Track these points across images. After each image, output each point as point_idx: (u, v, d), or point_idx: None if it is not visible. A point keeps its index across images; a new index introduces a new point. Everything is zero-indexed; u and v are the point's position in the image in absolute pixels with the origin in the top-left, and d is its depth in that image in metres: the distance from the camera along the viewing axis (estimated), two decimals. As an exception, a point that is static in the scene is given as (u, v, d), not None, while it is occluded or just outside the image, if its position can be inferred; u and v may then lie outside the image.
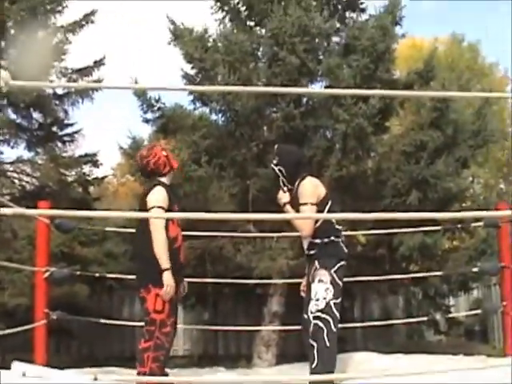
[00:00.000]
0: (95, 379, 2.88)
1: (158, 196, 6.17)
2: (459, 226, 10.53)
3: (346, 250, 6.74)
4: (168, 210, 6.12)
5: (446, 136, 11.37)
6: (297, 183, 6.66)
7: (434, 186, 10.88)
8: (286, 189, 6.70)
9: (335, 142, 10.93)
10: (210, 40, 11.69)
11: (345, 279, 9.83)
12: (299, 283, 10.17)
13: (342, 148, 10.68)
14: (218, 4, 12.11)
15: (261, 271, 10.28)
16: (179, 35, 11.67)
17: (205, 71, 11.39)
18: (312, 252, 6.62)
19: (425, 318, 11.76)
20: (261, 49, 11.79)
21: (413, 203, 10.60)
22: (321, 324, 6.32)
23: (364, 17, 12.32)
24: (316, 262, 6.54)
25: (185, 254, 6.58)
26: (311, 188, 6.61)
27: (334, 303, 6.45)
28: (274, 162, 6.76)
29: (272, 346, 11.14)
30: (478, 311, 10.70)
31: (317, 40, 11.43)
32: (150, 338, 6.04)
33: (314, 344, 6.27)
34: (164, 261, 6.00)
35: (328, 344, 6.27)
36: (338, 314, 6.48)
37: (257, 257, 10.43)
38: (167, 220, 6.16)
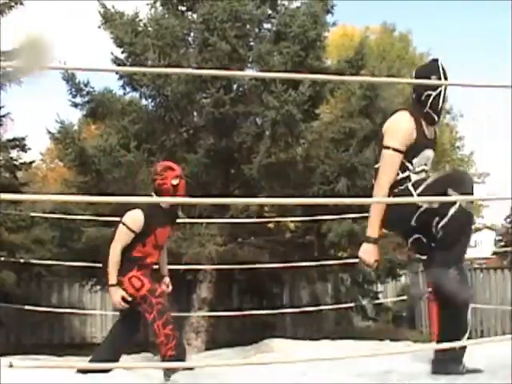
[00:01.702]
0: (10, 366, 2.83)
1: (130, 217, 6.17)
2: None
3: None
4: (144, 233, 6.12)
5: (375, 124, 11.44)
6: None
7: (363, 174, 10.95)
8: None
9: (265, 128, 10.94)
10: (141, 24, 11.60)
11: (274, 265, 9.92)
12: (229, 269, 10.21)
13: (272, 135, 10.67)
14: (150, -12, 11.98)
15: (190, 257, 10.22)
16: (110, 19, 11.53)
17: (135, 55, 11.27)
18: None
19: (352, 304, 11.88)
20: (192, 34, 11.73)
21: (341, 190, 10.66)
22: None
23: (296, 4, 12.30)
24: None
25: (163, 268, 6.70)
26: None
27: None
28: None
29: (201, 333, 11.11)
30: (405, 297, 10.85)
31: (248, 26, 11.44)
32: (150, 309, 6.10)
33: None
34: (110, 276, 6.07)
35: None
36: None
37: (186, 243, 10.38)
38: (137, 242, 6.17)
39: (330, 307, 12.33)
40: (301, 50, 10.99)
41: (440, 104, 4.93)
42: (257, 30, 11.81)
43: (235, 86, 11.33)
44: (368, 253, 4.77)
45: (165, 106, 11.19)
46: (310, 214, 10.01)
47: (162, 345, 6.03)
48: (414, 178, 4.90)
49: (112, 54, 11.72)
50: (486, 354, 4.99)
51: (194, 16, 11.80)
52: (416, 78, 5.05)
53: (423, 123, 4.94)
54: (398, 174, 4.88)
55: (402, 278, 15.73)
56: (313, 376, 5.02)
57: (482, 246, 54.79)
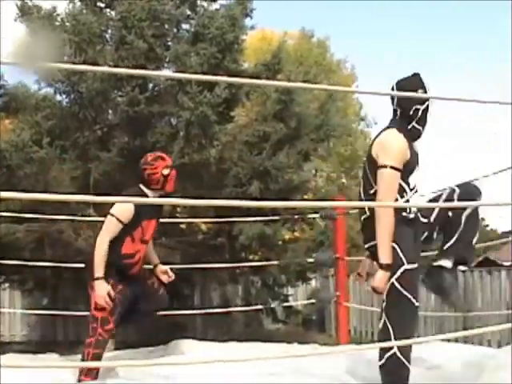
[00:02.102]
0: None
1: (119, 207, 6.00)
2: (296, 216, 10.75)
3: None
4: (131, 225, 5.97)
5: (289, 128, 11.55)
6: None
7: (276, 177, 11.04)
8: None
9: (179, 129, 10.91)
10: (59, 19, 11.44)
11: (184, 266, 9.89)
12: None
13: (186, 135, 10.67)
14: (69, -17, 11.84)
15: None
16: (27, 12, 11.35)
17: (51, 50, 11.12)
18: None
19: (261, 307, 11.95)
20: (109, 31, 11.64)
21: (254, 193, 10.70)
22: None
23: (215, 6, 12.33)
24: None
25: (141, 269, 6.46)
26: None
27: None
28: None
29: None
30: (313, 301, 10.97)
31: (166, 26, 11.41)
32: (92, 334, 5.99)
33: None
34: (96, 269, 5.89)
35: None
36: None
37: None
38: (125, 236, 6.02)
39: (240, 309, 12.38)
40: (218, 52, 11.01)
41: (427, 118, 4.83)
42: (175, 30, 11.78)
43: (151, 86, 11.28)
44: (384, 282, 4.58)
45: (79, 102, 11.05)
46: (222, 215, 10.04)
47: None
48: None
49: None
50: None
51: (113, 13, 11.69)
52: (403, 91, 4.85)
53: (410, 139, 4.79)
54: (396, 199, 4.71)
55: (313, 282, 15.90)
56: (219, 377, 5.04)
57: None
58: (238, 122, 12.52)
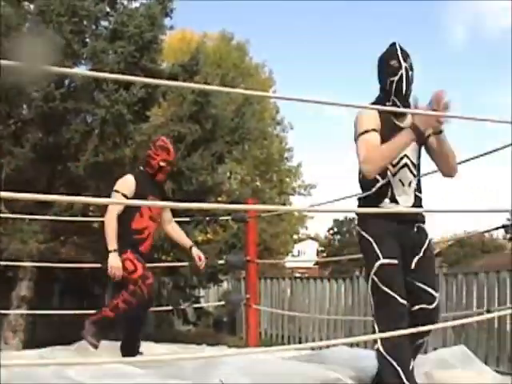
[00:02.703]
0: None
1: (121, 181, 6.27)
2: (209, 218, 10.78)
3: None
4: (138, 198, 5.97)
5: (205, 130, 11.59)
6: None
7: (189, 179, 11.06)
8: None
9: (94, 126, 10.83)
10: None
11: (96, 265, 9.74)
12: (50, 268, 10.01)
13: (101, 133, 10.61)
14: (-14, -26, 11.62)
15: (10, 254, 9.98)
16: None
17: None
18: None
19: (171, 308, 11.93)
20: (27, 25, 11.46)
21: (167, 194, 10.68)
22: None
23: (135, 4, 12.26)
24: (427, 232, 4.77)
25: (150, 246, 6.57)
26: None
27: None
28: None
29: (19, 332, 10.85)
30: (223, 303, 11.00)
31: (85, 22, 11.29)
32: (131, 294, 6.12)
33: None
34: (109, 242, 6.06)
35: None
36: None
37: (7, 238, 10.13)
38: (134, 211, 6.22)
39: (151, 310, 12.32)
40: (136, 51, 10.96)
41: (404, 89, 4.49)
42: (93, 26, 11.67)
43: (67, 82, 11.15)
44: None
45: (-7, 96, 10.87)
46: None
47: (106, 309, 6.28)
48: (396, 185, 4.56)
49: None
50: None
51: (31, 6, 11.52)
52: (377, 65, 4.63)
53: (390, 115, 4.54)
54: (377, 181, 4.52)
55: (225, 284, 15.94)
56: (122, 376, 5.02)
57: (304, 255, 56.25)
58: (153, 121, 12.48)
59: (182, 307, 12.76)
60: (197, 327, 14.61)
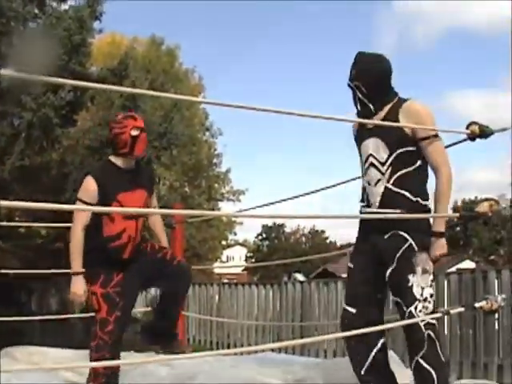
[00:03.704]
0: None
1: (82, 186, 5.14)
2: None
3: None
4: (103, 203, 5.03)
5: (131, 134, 11.52)
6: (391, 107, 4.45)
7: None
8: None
9: (21, 130, 10.67)
10: None
11: (20, 271, 9.59)
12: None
13: (27, 137, 10.45)
14: None
15: None
16: None
17: None
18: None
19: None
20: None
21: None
22: (433, 335, 4.26)
23: (64, 7, 12.14)
24: (408, 238, 4.29)
25: (136, 248, 5.33)
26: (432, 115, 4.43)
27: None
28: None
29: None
30: (150, 309, 10.93)
31: (12, 23, 11.12)
32: (93, 338, 5.17)
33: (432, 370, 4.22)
34: (72, 262, 5.10)
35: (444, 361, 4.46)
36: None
37: None
38: (102, 217, 5.13)
39: (78, 316, 12.19)
40: (64, 54, 10.85)
41: (357, 95, 4.40)
42: (21, 28, 11.51)
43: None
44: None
45: None
46: (62, 220, 9.87)
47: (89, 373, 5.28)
48: (367, 187, 4.46)
49: None
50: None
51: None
52: (388, 74, 4.50)
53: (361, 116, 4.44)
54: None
55: (152, 290, 15.83)
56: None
57: (233, 261, 56.39)
58: (81, 126, 12.38)
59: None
60: (125, 333, 14.47)
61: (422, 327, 4.18)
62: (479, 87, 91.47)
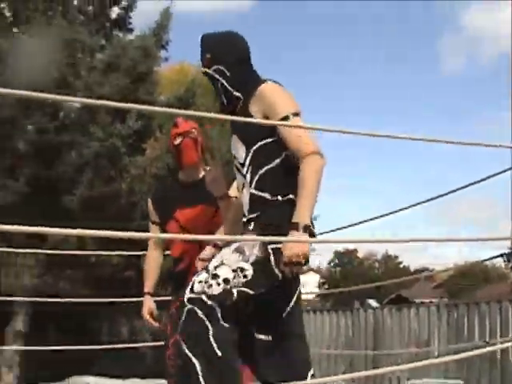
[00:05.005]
0: None
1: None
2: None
3: None
4: (162, 221, 4.62)
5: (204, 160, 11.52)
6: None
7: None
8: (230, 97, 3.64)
9: (88, 160, 10.75)
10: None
11: (93, 300, 9.57)
12: (45, 302, 9.86)
13: (95, 167, 10.52)
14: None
15: (5, 288, 9.88)
16: None
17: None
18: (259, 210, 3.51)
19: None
20: (20, 53, 11.43)
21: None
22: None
23: (130, 37, 12.24)
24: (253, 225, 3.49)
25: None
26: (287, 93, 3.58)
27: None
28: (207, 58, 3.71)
29: (14, 367, 10.71)
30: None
31: (79, 55, 11.25)
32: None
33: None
34: (145, 283, 4.75)
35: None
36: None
37: (2, 272, 10.05)
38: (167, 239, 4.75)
39: (147, 344, 12.18)
40: (130, 83, 10.91)
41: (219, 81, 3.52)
42: (89, 59, 11.64)
43: (61, 114, 11.10)
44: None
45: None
46: (132, 249, 9.88)
47: None
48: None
49: None
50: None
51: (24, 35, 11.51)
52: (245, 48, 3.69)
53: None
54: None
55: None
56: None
57: (306, 287, 56.16)
58: (149, 154, 12.42)
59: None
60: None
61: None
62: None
